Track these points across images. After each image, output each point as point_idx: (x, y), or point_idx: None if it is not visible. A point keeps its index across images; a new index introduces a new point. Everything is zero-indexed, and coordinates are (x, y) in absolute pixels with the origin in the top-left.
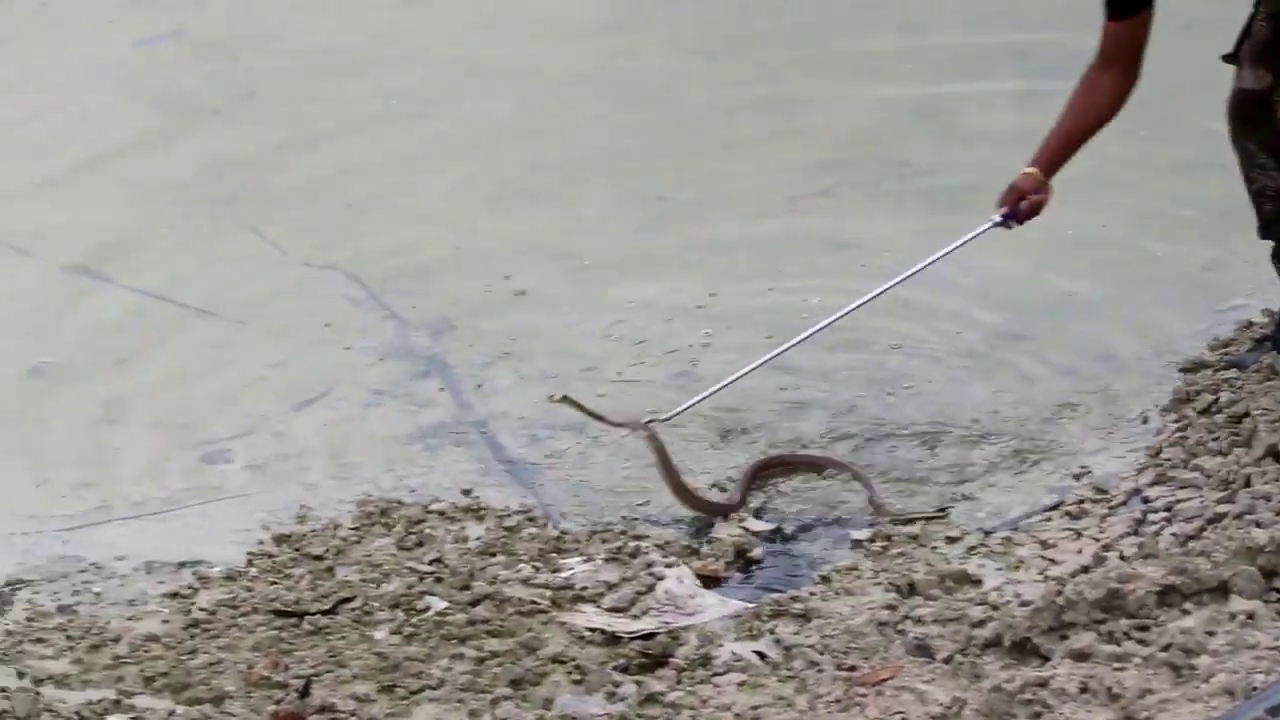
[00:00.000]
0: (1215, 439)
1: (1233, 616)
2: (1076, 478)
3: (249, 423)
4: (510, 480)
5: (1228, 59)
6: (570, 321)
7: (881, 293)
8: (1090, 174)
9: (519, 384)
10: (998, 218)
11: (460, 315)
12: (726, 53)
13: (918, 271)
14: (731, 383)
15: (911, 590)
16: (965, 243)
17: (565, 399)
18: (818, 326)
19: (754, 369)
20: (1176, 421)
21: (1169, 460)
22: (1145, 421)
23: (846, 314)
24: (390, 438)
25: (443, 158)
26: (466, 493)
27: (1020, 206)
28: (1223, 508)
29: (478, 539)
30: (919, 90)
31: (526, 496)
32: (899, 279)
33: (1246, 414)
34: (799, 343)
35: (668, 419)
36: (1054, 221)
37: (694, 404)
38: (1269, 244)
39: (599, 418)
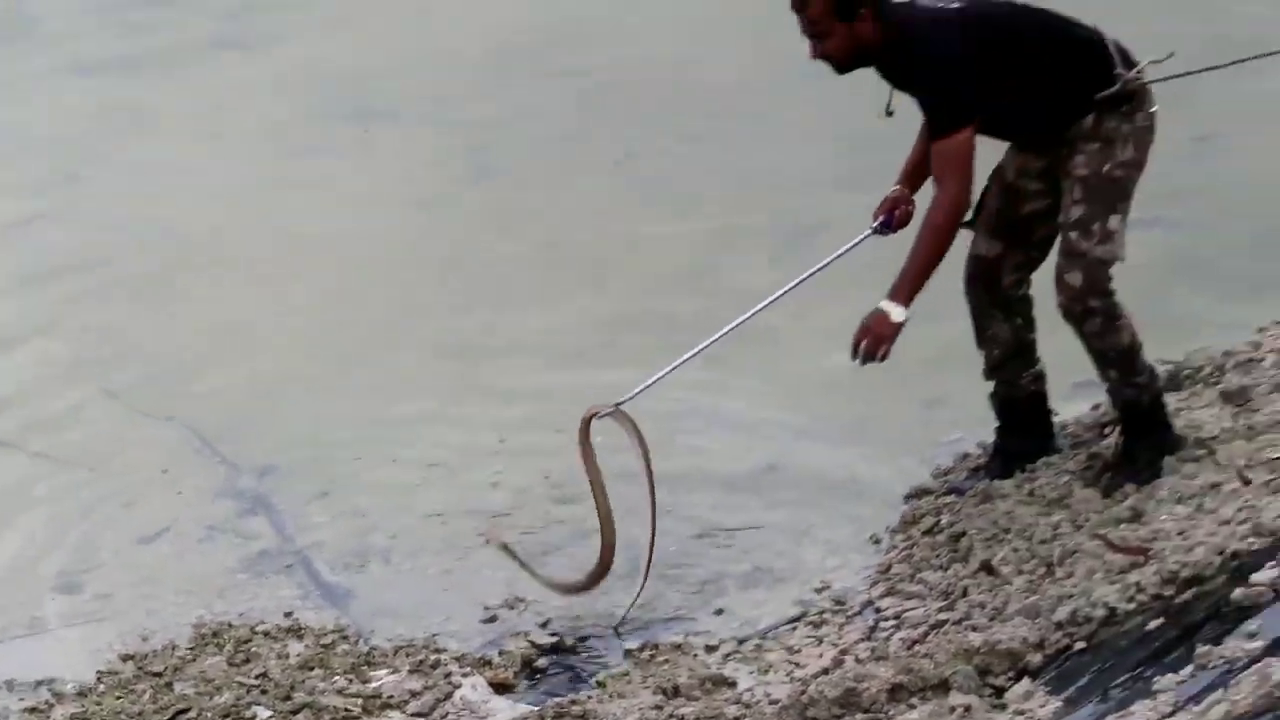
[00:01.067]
0: (937, 556)
1: (953, 709)
2: (818, 591)
3: (100, 556)
4: (326, 603)
5: (966, 225)
6: (380, 463)
7: (754, 314)
8: (835, 321)
9: (334, 519)
10: (876, 225)
11: (284, 460)
12: (518, 222)
13: (793, 288)
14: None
15: (675, 692)
16: (845, 252)
17: (504, 547)
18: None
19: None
20: (904, 541)
21: (898, 575)
22: (877, 541)
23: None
24: (221, 568)
25: (270, 320)
26: (288, 614)
27: (895, 214)
28: (943, 615)
29: (298, 655)
30: (687, 257)
31: (340, 617)
32: (769, 299)
33: (964, 534)
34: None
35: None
36: (805, 363)
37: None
38: (990, 384)
39: (530, 571)
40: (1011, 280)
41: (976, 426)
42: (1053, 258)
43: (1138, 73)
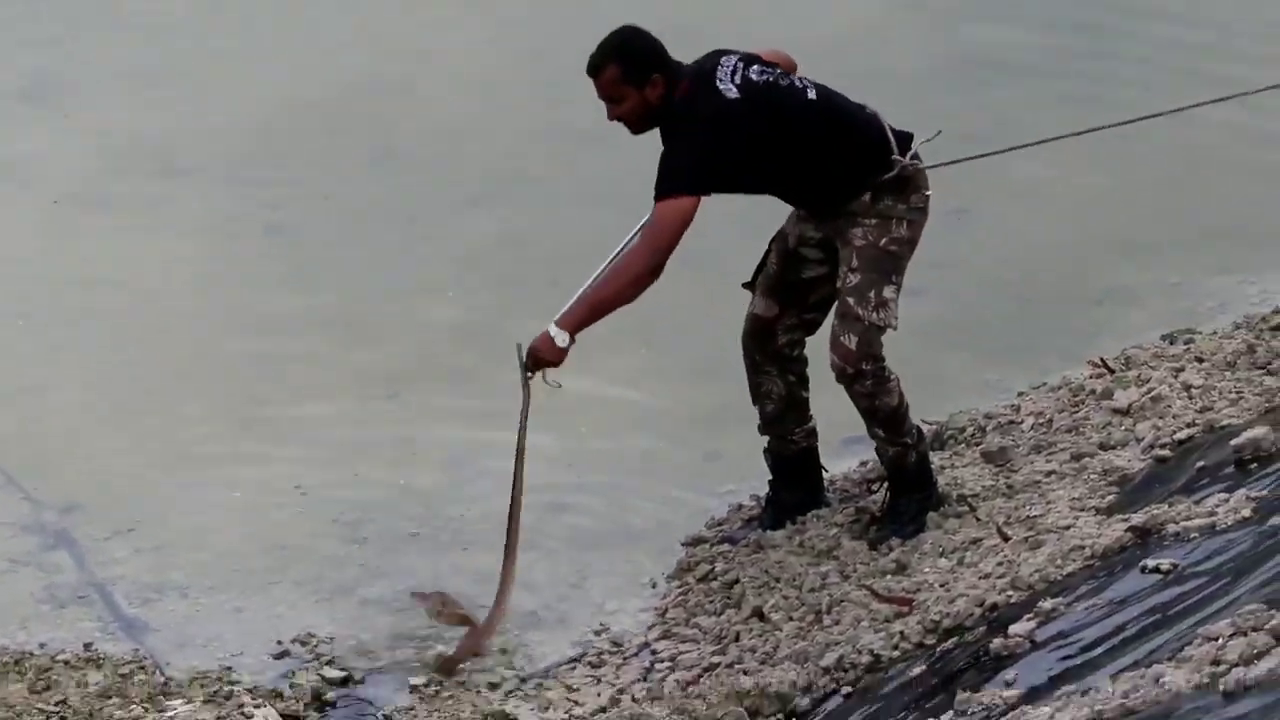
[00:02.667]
0: (711, 601)
1: None
2: (597, 633)
3: None
4: (124, 635)
5: (746, 286)
6: (179, 501)
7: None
8: (617, 368)
9: (134, 554)
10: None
11: (86, 497)
12: (307, 276)
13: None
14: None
15: None
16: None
17: (441, 608)
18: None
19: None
20: (680, 587)
21: (673, 619)
22: (654, 586)
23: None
24: (23, 599)
25: (72, 362)
26: (88, 645)
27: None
28: (717, 658)
29: (97, 684)
30: (467, 315)
31: (138, 648)
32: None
33: (737, 581)
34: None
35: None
36: (586, 412)
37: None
38: (764, 439)
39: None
40: (785, 340)
41: (751, 479)
42: (829, 321)
43: (911, 159)
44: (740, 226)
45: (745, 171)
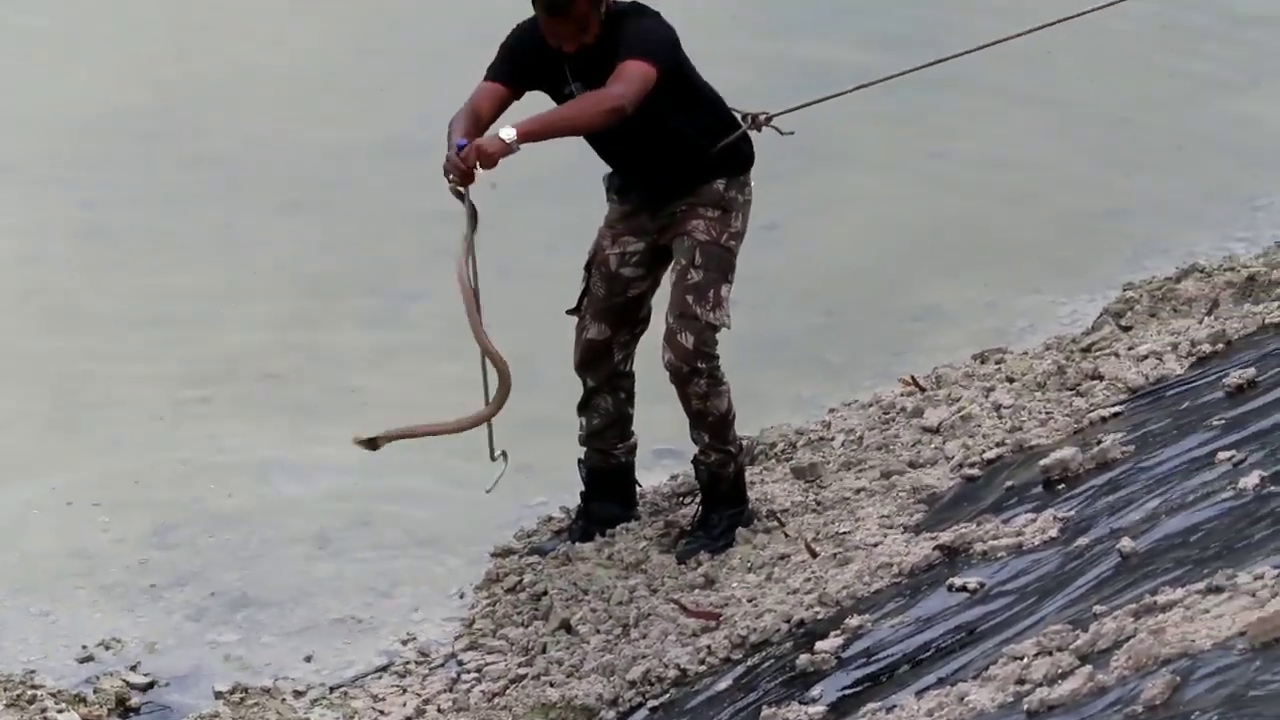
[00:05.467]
0: (519, 613)
1: None
2: (404, 643)
3: None
4: None
5: (571, 313)
6: None
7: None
8: (425, 383)
9: None
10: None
11: None
12: (120, 280)
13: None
14: None
15: None
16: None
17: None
18: None
19: None
20: (487, 597)
21: (480, 630)
22: (462, 596)
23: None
24: None
25: None
26: None
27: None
28: (523, 670)
29: None
30: (283, 318)
31: None
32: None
33: (545, 593)
34: None
35: None
36: (398, 422)
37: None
38: (583, 450)
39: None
40: (620, 357)
41: (561, 492)
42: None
43: (767, 120)
44: (547, 244)
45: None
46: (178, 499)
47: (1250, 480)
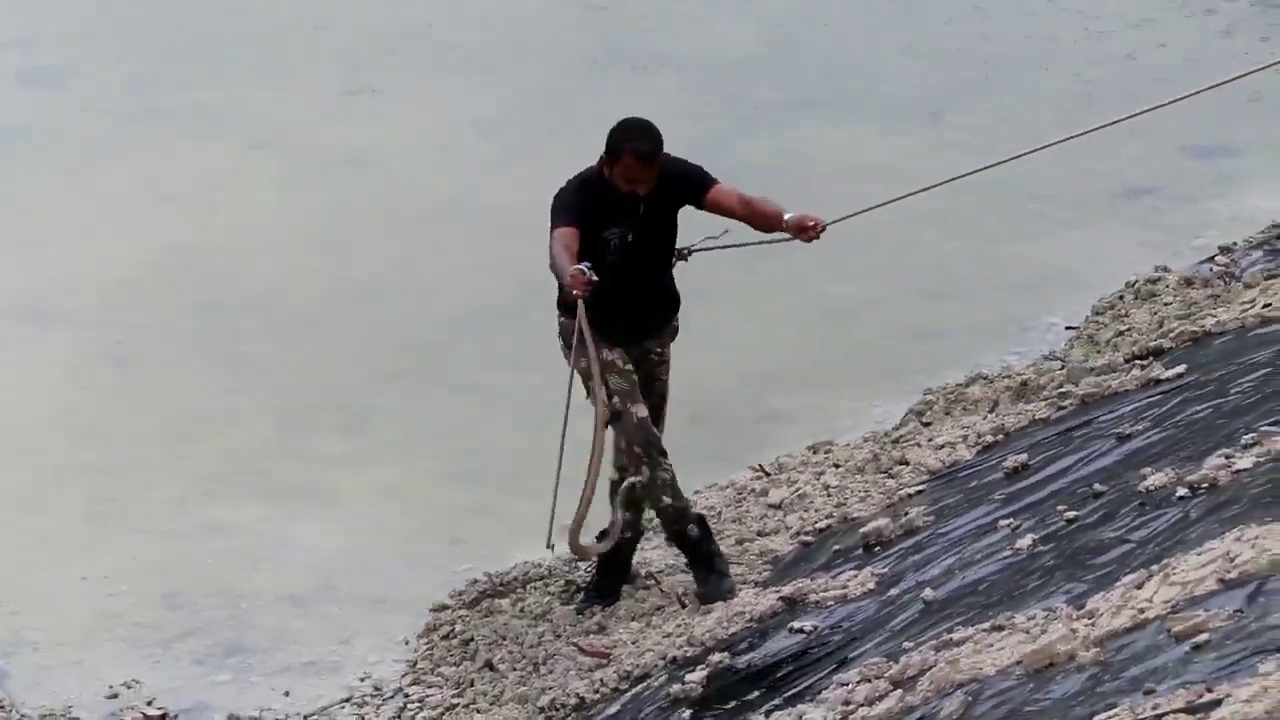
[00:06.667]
0: (452, 655)
1: None
2: (361, 680)
3: None
4: None
5: (611, 422)
6: (32, 576)
7: None
8: (380, 477)
9: None
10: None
11: None
12: (140, 394)
13: None
14: None
15: None
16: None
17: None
18: None
19: None
20: (427, 644)
21: (422, 669)
22: (407, 643)
23: None
24: None
25: None
26: None
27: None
28: (455, 700)
29: None
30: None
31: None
32: None
33: (472, 639)
34: None
35: None
36: (357, 507)
37: None
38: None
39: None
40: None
41: (485, 561)
42: None
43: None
44: (494, 353)
45: None
46: (182, 571)
47: (1024, 542)
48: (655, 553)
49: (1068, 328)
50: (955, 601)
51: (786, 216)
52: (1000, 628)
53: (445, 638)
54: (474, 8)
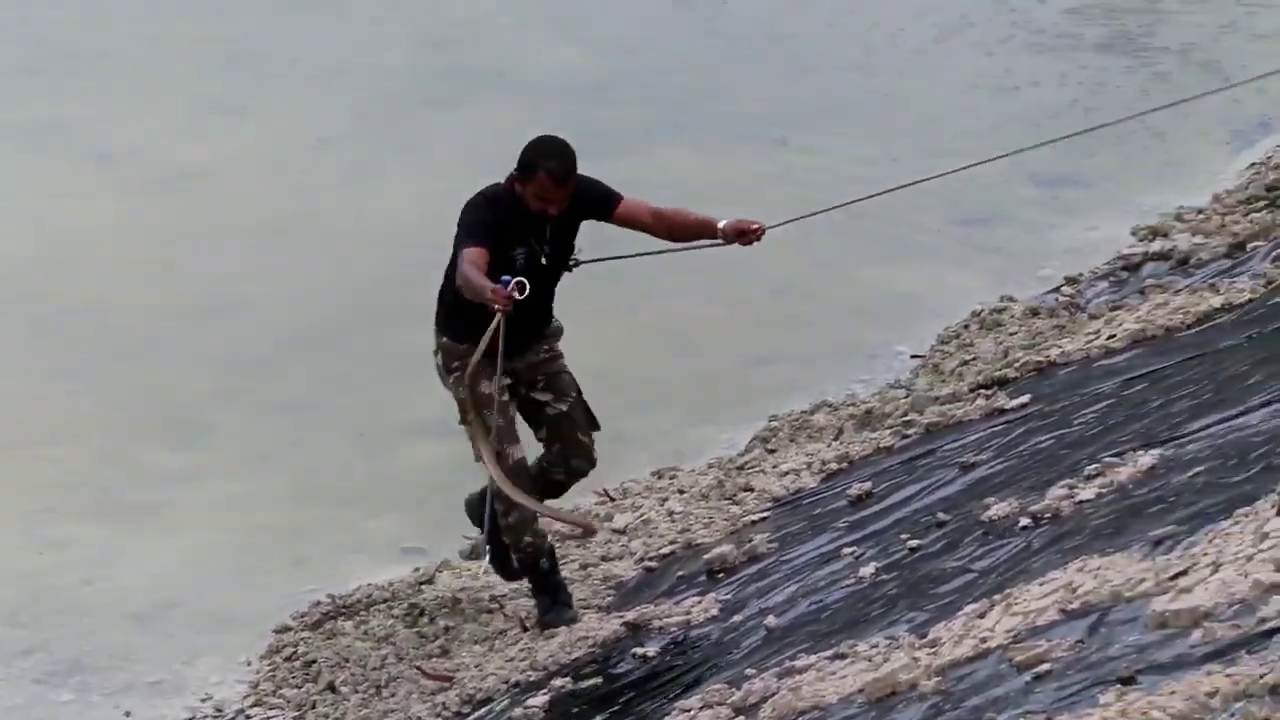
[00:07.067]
0: (294, 677)
1: None
2: (203, 700)
3: None
4: None
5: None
6: None
7: None
8: (224, 496)
9: None
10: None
11: None
12: None
13: None
14: None
15: None
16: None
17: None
18: None
19: None
20: (270, 665)
21: (264, 690)
22: (249, 664)
23: None
24: None
25: None
26: None
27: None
28: None
29: None
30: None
31: None
32: None
33: (314, 661)
34: None
35: None
36: (195, 524)
37: None
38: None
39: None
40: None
41: (326, 583)
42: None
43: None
44: (331, 372)
45: None
46: (22, 588)
47: (867, 570)
48: (495, 577)
49: (913, 356)
50: (798, 629)
51: (721, 224)
52: (843, 656)
53: (288, 659)
54: (318, 27)
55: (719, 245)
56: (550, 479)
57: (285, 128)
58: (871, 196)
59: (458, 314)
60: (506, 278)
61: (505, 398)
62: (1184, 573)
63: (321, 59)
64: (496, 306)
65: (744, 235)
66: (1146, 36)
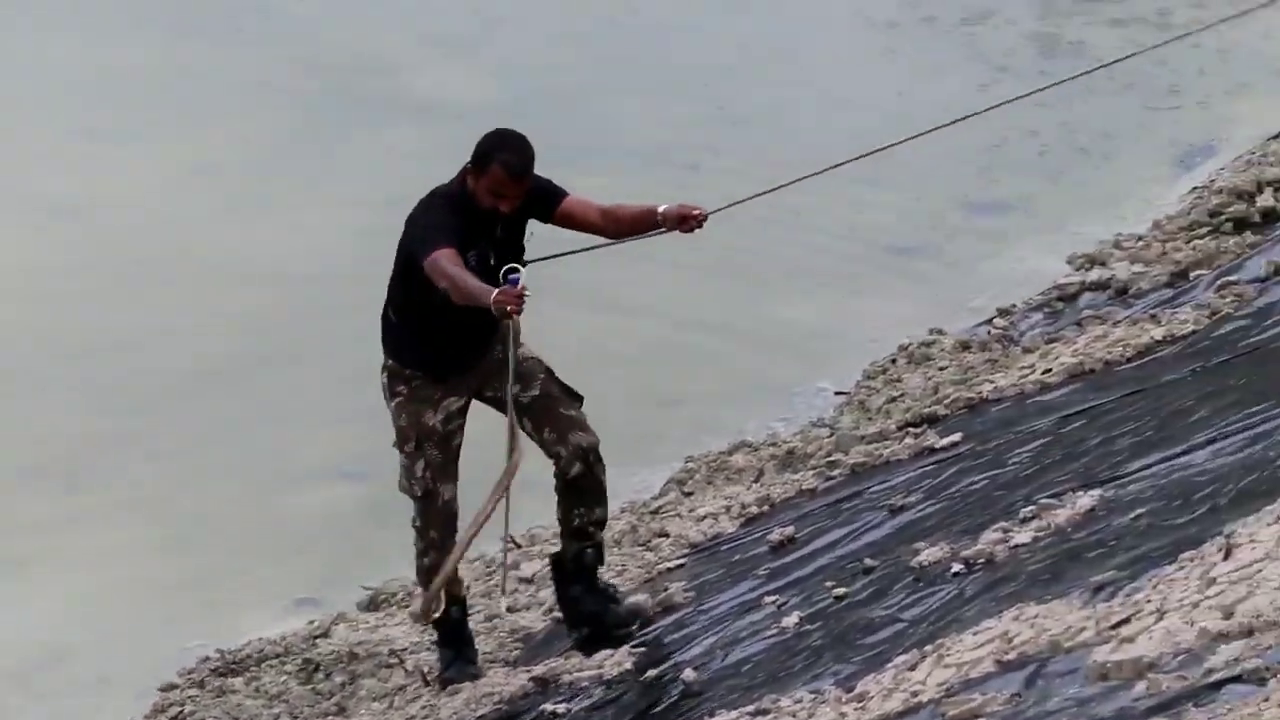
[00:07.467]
0: None
1: None
2: None
3: None
4: None
5: (422, 498)
6: None
7: None
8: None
9: None
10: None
11: None
12: None
13: None
14: None
15: None
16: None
17: None
18: None
19: None
20: None
21: None
22: None
23: None
24: None
25: None
26: None
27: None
28: None
29: None
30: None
31: None
32: None
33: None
34: None
35: None
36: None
37: None
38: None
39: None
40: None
41: (214, 638)
42: None
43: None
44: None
45: None
46: None
47: (791, 620)
48: (398, 629)
49: (837, 393)
50: (717, 683)
51: (661, 209)
52: (765, 711)
53: (174, 719)
54: (199, 55)
55: (661, 233)
56: (571, 479)
57: (159, 158)
58: (816, 174)
59: (402, 334)
60: (515, 275)
61: (454, 427)
62: (1126, 621)
63: (209, 88)
64: (508, 309)
65: (685, 221)
66: None
